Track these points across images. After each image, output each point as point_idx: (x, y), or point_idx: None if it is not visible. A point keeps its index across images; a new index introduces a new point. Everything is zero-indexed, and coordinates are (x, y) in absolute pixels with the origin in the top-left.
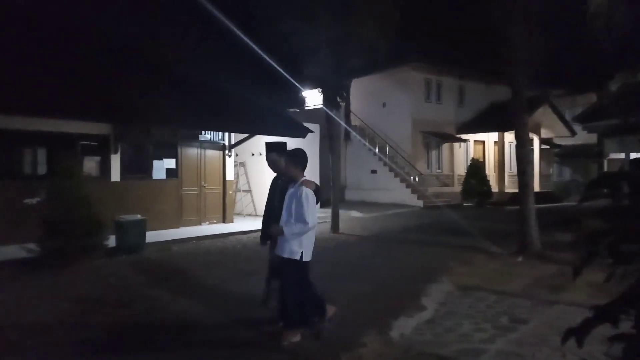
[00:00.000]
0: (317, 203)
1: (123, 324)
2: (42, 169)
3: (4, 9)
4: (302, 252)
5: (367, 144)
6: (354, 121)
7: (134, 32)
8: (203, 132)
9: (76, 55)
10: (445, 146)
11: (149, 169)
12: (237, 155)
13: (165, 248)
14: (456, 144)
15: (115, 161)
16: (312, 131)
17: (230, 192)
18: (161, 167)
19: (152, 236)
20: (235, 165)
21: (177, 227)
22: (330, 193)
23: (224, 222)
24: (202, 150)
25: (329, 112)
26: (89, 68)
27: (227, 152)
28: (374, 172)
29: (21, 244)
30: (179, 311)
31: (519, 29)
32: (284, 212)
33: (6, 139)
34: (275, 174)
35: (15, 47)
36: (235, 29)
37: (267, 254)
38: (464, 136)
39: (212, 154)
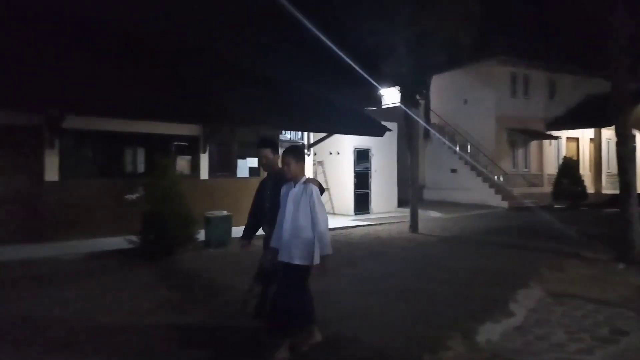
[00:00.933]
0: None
1: (214, 312)
2: (140, 168)
3: (105, 23)
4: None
5: (447, 142)
6: (433, 119)
7: (217, 36)
8: (283, 131)
9: (166, 60)
10: (534, 144)
11: (233, 168)
12: (315, 154)
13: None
14: (546, 142)
15: (204, 160)
16: (390, 130)
17: None
18: (244, 165)
19: (236, 231)
20: (313, 164)
21: None
22: (408, 192)
23: None
24: (282, 150)
25: (408, 111)
26: (179, 72)
27: (305, 151)
28: (454, 171)
29: (124, 236)
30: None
31: (622, 14)
32: (287, 216)
33: (110, 140)
34: (265, 175)
35: (115, 58)
36: (313, 28)
37: (259, 259)
38: (554, 133)
39: None
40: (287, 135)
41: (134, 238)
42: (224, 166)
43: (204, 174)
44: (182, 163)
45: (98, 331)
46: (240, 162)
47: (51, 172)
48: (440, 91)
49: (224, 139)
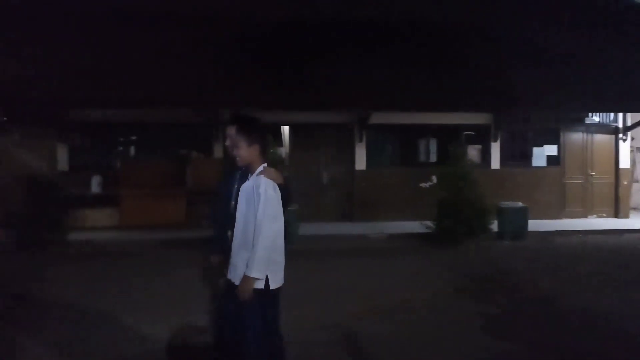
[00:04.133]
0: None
1: (513, 307)
2: (432, 157)
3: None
4: (267, 277)
5: None
6: None
7: (500, 14)
8: (590, 114)
9: (450, 46)
10: None
11: (528, 157)
12: (633, 139)
13: (547, 238)
14: None
15: (495, 149)
16: None
17: (625, 183)
18: (541, 154)
19: (531, 225)
20: (631, 151)
21: (559, 218)
22: None
23: (616, 216)
24: (589, 135)
25: None
26: (464, 57)
27: (621, 135)
28: None
29: (419, 220)
30: (581, 307)
31: None
32: (238, 219)
33: (405, 133)
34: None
35: (401, 52)
36: None
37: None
38: None
39: (601, 138)
40: (596, 117)
41: (429, 223)
42: (516, 155)
43: (495, 163)
44: (472, 152)
45: (396, 304)
46: (536, 150)
47: (360, 162)
48: None
49: (517, 125)
